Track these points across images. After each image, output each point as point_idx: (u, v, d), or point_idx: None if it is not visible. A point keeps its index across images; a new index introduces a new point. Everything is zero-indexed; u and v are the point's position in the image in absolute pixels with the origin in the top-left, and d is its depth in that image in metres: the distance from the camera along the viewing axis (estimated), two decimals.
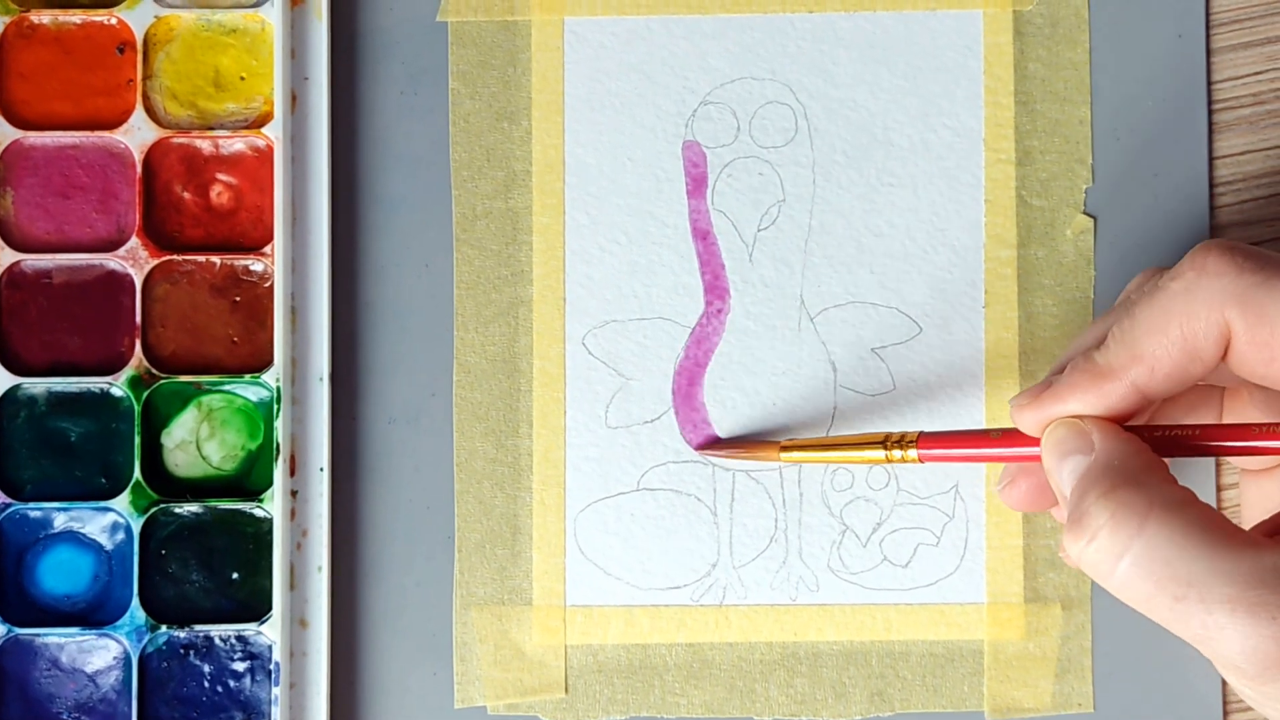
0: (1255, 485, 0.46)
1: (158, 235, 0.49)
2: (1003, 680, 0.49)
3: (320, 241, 0.49)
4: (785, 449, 0.47)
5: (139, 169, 0.49)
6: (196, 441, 0.49)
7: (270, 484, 0.48)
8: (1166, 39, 0.50)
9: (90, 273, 0.50)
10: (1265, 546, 0.38)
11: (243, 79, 0.50)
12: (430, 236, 0.50)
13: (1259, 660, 0.37)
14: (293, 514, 0.49)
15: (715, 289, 0.50)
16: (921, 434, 0.45)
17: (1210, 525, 0.38)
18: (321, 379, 0.49)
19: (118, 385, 0.49)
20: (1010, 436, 0.43)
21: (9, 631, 0.49)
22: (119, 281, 0.49)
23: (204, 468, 0.49)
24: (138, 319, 0.49)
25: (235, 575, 0.49)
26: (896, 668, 0.49)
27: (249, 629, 0.48)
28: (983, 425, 0.49)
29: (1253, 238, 0.50)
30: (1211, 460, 0.49)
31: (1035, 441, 0.42)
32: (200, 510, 0.49)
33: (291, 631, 0.48)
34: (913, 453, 0.45)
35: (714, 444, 0.49)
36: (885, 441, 0.45)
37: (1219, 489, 0.49)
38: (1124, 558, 0.38)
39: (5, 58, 0.50)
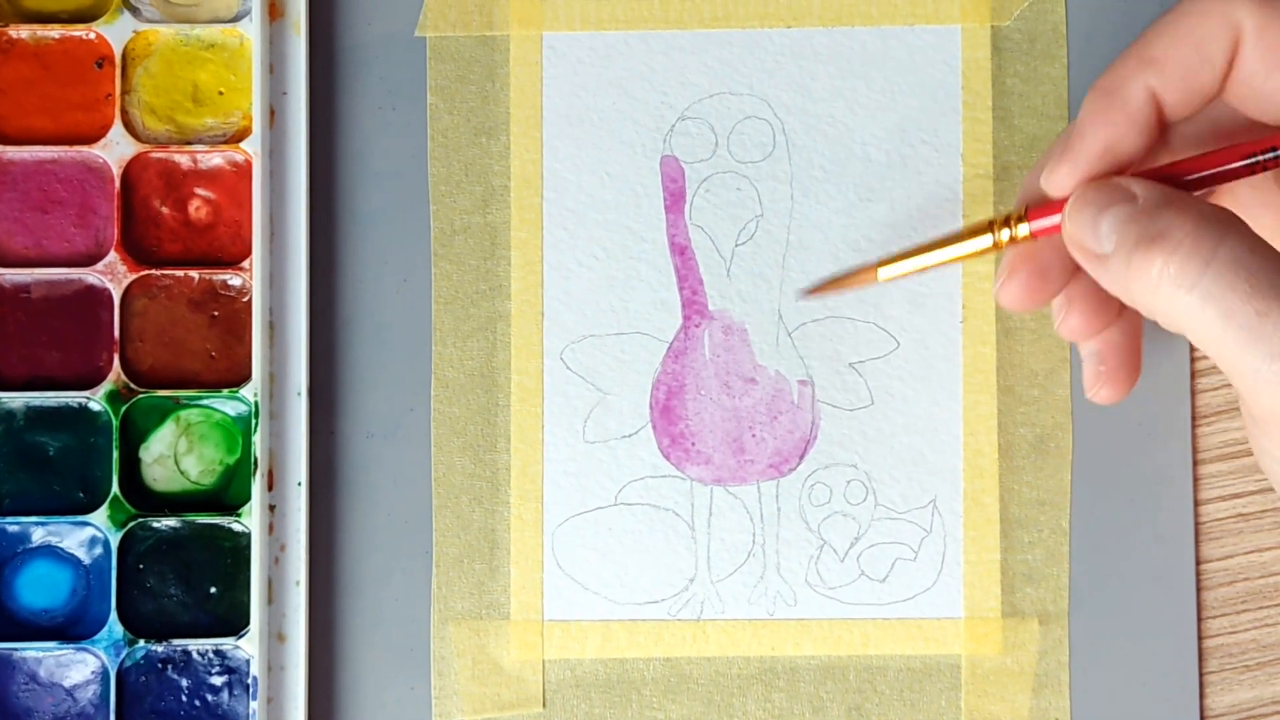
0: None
1: (136, 250, 0.50)
2: (980, 695, 0.49)
3: (298, 256, 0.49)
4: (883, 264, 0.45)
5: (117, 184, 0.49)
6: (174, 456, 0.49)
7: (248, 498, 0.48)
8: None
9: (68, 287, 0.50)
10: None
11: (221, 94, 0.50)
12: (408, 251, 0.50)
13: None
14: (271, 528, 0.49)
15: (693, 304, 0.50)
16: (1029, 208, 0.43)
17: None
18: (299, 393, 0.49)
19: (96, 400, 0.49)
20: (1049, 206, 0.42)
21: None
22: (97, 296, 0.49)
23: (182, 482, 0.50)
24: (116, 333, 0.49)
25: (213, 589, 0.49)
26: (874, 682, 0.49)
27: (227, 643, 0.49)
28: (960, 443, 0.49)
29: None
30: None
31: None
32: (178, 524, 0.49)
33: (269, 646, 0.48)
34: (1024, 228, 0.42)
35: (816, 289, 0.47)
36: (991, 226, 0.43)
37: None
38: (1210, 265, 0.37)
39: None
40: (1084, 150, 0.41)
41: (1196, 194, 0.41)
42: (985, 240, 0.43)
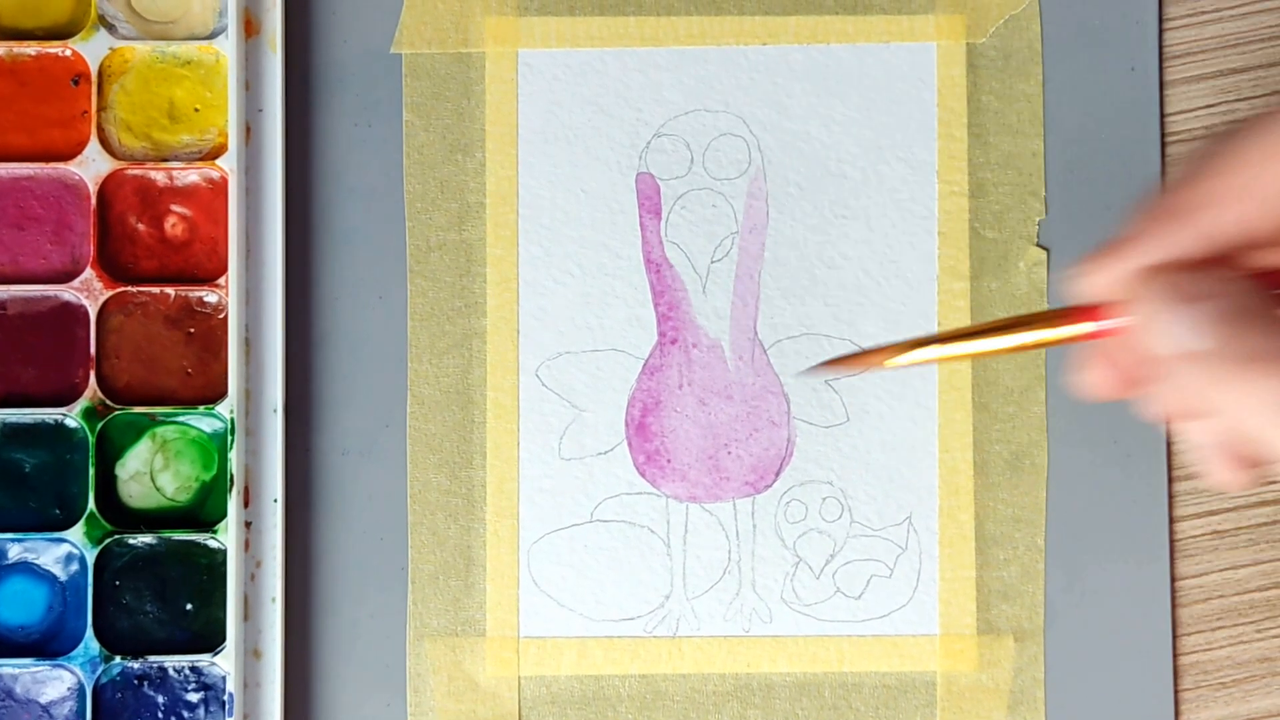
0: None
1: (112, 267, 0.50)
2: (955, 712, 0.49)
3: (274, 273, 0.49)
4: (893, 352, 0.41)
5: (93, 200, 0.49)
6: (151, 473, 0.50)
7: (224, 515, 0.49)
8: (1119, 72, 0.50)
9: (45, 304, 0.50)
10: None
11: (197, 111, 0.50)
12: (384, 268, 0.50)
13: None
14: (247, 545, 0.49)
15: (669, 320, 0.50)
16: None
17: None
18: (275, 410, 0.49)
19: (72, 416, 0.49)
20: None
21: None
22: (73, 313, 0.49)
23: (158, 499, 0.50)
24: (92, 350, 0.49)
25: (189, 606, 0.49)
26: (849, 699, 0.49)
27: (203, 660, 0.49)
28: (935, 460, 0.49)
29: None
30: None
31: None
32: (154, 541, 0.49)
33: (245, 662, 0.48)
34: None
35: (823, 365, 0.44)
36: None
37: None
38: None
39: None
40: (1140, 257, 0.37)
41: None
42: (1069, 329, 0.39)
